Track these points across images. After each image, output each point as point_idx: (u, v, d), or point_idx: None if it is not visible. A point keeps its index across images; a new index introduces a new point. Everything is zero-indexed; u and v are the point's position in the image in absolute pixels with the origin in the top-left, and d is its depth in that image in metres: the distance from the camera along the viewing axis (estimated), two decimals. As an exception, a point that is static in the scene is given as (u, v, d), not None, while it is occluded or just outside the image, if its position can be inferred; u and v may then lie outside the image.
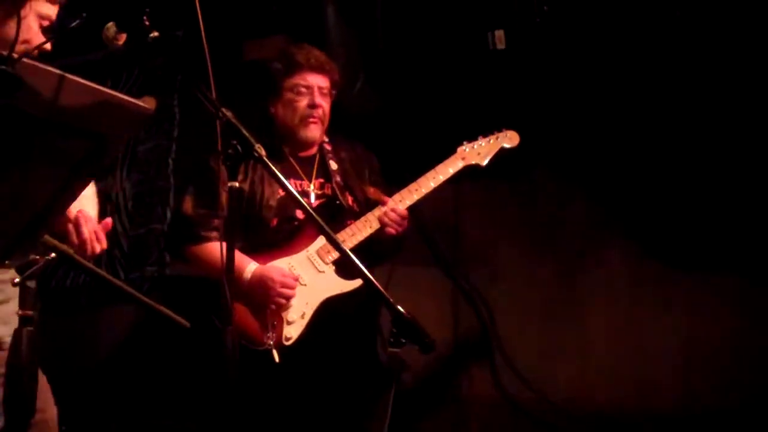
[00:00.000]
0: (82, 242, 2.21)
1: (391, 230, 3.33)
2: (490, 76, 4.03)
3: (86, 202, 2.31)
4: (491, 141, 3.51)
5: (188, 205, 3.35)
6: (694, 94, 3.92)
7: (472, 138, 3.51)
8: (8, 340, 1.91)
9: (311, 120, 3.39)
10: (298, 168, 3.42)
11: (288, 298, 3.22)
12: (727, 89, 3.86)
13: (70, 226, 2.21)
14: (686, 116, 3.97)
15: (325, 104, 3.41)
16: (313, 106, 3.37)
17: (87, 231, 2.20)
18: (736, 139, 3.92)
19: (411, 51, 4.08)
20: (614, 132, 4.10)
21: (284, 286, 3.21)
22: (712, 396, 3.96)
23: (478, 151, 3.49)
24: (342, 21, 4.11)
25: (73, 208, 2.18)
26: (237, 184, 2.23)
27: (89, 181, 1.79)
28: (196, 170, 3.43)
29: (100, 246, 2.25)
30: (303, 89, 3.38)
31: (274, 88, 3.42)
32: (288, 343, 3.21)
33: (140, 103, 1.71)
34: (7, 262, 1.82)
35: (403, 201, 3.38)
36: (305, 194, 3.37)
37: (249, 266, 3.23)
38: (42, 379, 2.42)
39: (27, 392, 1.85)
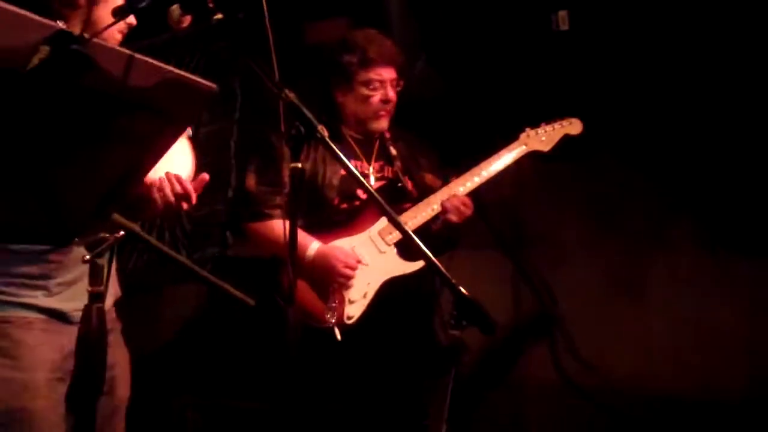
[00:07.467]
0: (167, 205, 2.34)
1: (452, 217, 3.31)
2: (554, 57, 3.98)
3: (179, 159, 2.39)
4: (555, 128, 3.48)
5: (251, 181, 3.37)
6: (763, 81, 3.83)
7: (535, 124, 3.48)
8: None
9: (382, 114, 3.38)
10: (357, 150, 3.42)
11: (350, 278, 3.23)
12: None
13: (154, 192, 2.32)
14: (759, 101, 3.87)
15: (395, 96, 3.41)
16: (386, 101, 3.37)
17: (169, 194, 2.33)
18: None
19: (473, 32, 4.06)
20: (682, 115, 4.02)
21: (347, 266, 3.23)
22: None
23: (542, 138, 3.45)
24: (403, 1, 4.10)
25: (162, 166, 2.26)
26: (300, 165, 2.23)
27: (159, 157, 1.81)
28: (258, 147, 3.44)
29: (187, 203, 2.37)
30: (377, 84, 3.35)
31: (345, 79, 3.38)
32: (350, 322, 3.23)
33: (205, 82, 1.74)
34: (76, 239, 1.85)
35: (465, 186, 3.36)
36: (365, 176, 3.35)
37: (312, 245, 3.25)
38: (122, 359, 2.49)
39: (96, 369, 1.88)
